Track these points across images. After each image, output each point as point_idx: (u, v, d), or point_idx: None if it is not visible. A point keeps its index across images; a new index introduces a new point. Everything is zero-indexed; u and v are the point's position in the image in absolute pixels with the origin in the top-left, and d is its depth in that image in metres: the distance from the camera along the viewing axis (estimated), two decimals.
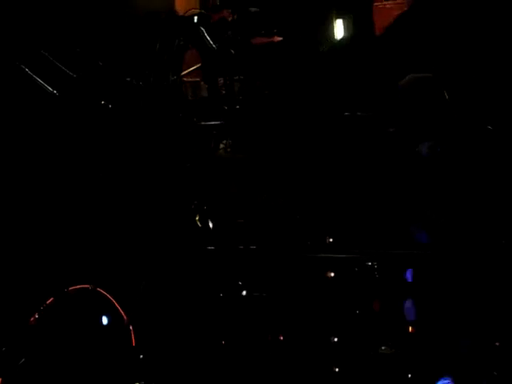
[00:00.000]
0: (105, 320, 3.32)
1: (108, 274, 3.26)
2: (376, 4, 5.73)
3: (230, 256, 3.57)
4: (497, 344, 3.43)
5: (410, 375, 3.61)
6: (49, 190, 3.19)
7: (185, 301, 3.54)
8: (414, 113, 3.04)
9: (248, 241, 3.57)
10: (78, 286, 3.25)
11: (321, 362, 4.03)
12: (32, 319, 3.18)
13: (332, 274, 4.17)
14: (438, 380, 3.38)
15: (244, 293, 3.77)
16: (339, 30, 4.86)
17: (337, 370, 4.32)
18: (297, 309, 4.07)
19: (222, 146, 4.08)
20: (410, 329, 3.92)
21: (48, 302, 3.23)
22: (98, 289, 3.31)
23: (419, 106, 3.09)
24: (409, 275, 3.75)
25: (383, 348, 4.41)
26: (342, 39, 4.69)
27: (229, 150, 3.98)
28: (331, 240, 3.79)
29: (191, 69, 4.27)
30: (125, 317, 3.31)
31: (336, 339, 4.30)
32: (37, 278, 3.24)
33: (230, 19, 4.48)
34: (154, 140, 3.98)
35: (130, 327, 3.32)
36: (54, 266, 3.28)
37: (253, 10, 4.59)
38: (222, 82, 4.38)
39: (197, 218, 3.72)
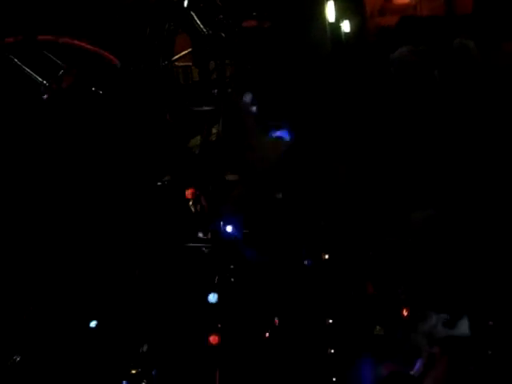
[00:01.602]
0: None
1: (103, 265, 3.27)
2: None
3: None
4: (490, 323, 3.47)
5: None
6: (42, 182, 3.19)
7: (180, 290, 3.56)
8: (406, 85, 3.03)
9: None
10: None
11: (316, 344, 4.08)
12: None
13: (326, 256, 4.21)
14: None
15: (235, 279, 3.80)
16: (331, 12, 4.84)
17: (332, 351, 4.37)
18: (292, 292, 4.10)
19: (214, 131, 4.08)
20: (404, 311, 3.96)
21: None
22: None
23: (411, 78, 3.08)
24: None
25: (377, 328, 4.45)
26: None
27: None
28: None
29: (182, 53, 4.25)
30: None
31: (331, 321, 4.34)
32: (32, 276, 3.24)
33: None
34: (145, 127, 3.97)
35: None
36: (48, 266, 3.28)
37: None
38: (213, 65, 4.36)
39: (191, 207, 3.74)
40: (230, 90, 4.27)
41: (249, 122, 2.86)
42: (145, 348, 3.27)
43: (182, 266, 3.50)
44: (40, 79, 2.43)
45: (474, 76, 3.36)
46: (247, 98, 3.57)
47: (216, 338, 3.57)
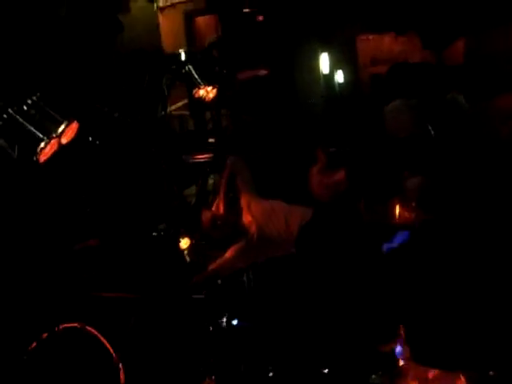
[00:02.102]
0: (94, 358, 3.31)
1: (96, 311, 3.25)
2: (360, 37, 5.86)
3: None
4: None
5: None
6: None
7: (173, 339, 3.54)
8: (399, 139, 3.04)
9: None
10: (67, 325, 3.24)
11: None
12: (22, 356, 3.16)
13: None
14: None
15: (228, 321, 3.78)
16: (325, 63, 4.94)
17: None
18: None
19: (210, 181, 4.12)
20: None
21: (38, 341, 3.21)
22: (87, 327, 3.30)
23: (404, 131, 3.09)
24: None
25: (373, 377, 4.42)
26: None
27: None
28: None
29: (179, 104, 4.32)
30: (114, 355, 3.31)
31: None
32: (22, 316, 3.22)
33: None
34: (141, 175, 4.01)
35: (120, 365, 3.32)
36: (38, 303, 3.26)
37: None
38: (209, 116, 4.44)
39: (186, 256, 3.74)
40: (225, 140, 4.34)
41: (239, 180, 2.87)
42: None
43: (176, 316, 3.49)
44: (41, 135, 2.44)
45: (464, 130, 3.41)
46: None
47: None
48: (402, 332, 2.85)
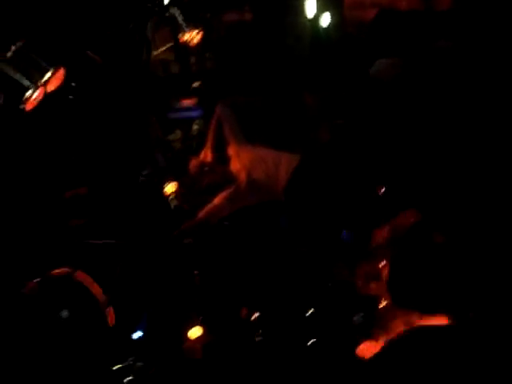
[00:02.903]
0: (83, 303, 3.37)
1: (85, 258, 3.30)
2: None
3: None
4: None
5: None
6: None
7: (161, 283, 3.61)
8: (386, 100, 3.04)
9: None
10: (57, 270, 3.29)
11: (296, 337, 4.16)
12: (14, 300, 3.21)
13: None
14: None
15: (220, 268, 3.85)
16: (311, 6, 4.87)
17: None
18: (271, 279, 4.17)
19: (195, 126, 4.11)
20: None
21: (30, 286, 3.26)
22: (77, 272, 3.35)
23: (391, 93, 3.09)
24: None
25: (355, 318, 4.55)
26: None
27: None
28: None
29: (163, 48, 4.26)
30: (103, 299, 3.37)
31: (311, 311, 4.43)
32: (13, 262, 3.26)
33: None
34: (126, 121, 3.99)
35: (108, 309, 3.38)
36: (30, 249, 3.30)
37: None
38: (193, 60, 4.39)
39: (170, 202, 3.77)
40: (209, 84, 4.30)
41: (227, 129, 2.84)
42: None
43: (164, 263, 3.55)
44: (28, 82, 2.42)
45: (456, 78, 3.40)
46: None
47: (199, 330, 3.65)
48: (383, 277, 2.91)
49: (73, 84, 3.62)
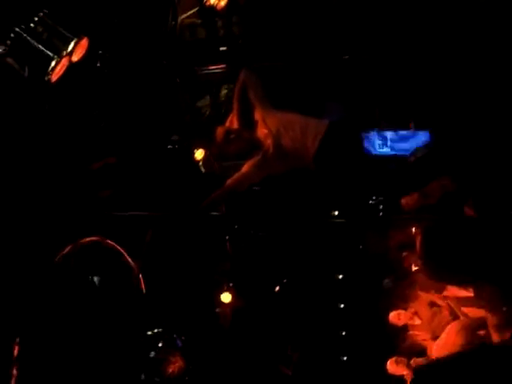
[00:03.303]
0: (115, 269, 3.41)
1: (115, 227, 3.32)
2: None
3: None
4: None
5: None
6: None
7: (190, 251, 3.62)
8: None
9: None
10: (88, 239, 3.33)
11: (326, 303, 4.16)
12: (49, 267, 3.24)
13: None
14: None
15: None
16: None
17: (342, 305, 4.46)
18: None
19: (223, 91, 4.07)
20: None
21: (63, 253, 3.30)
22: (107, 240, 3.38)
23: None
24: None
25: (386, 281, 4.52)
26: None
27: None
28: None
29: (189, 12, 4.20)
30: (134, 266, 3.41)
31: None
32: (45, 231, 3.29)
33: None
34: (153, 88, 3.97)
35: (140, 275, 3.42)
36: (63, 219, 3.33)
37: None
38: (220, 24, 4.31)
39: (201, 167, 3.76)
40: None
41: (252, 94, 2.78)
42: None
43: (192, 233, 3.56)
44: (51, 54, 2.40)
45: None
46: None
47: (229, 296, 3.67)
48: (415, 246, 2.88)
49: (100, 52, 3.60)
